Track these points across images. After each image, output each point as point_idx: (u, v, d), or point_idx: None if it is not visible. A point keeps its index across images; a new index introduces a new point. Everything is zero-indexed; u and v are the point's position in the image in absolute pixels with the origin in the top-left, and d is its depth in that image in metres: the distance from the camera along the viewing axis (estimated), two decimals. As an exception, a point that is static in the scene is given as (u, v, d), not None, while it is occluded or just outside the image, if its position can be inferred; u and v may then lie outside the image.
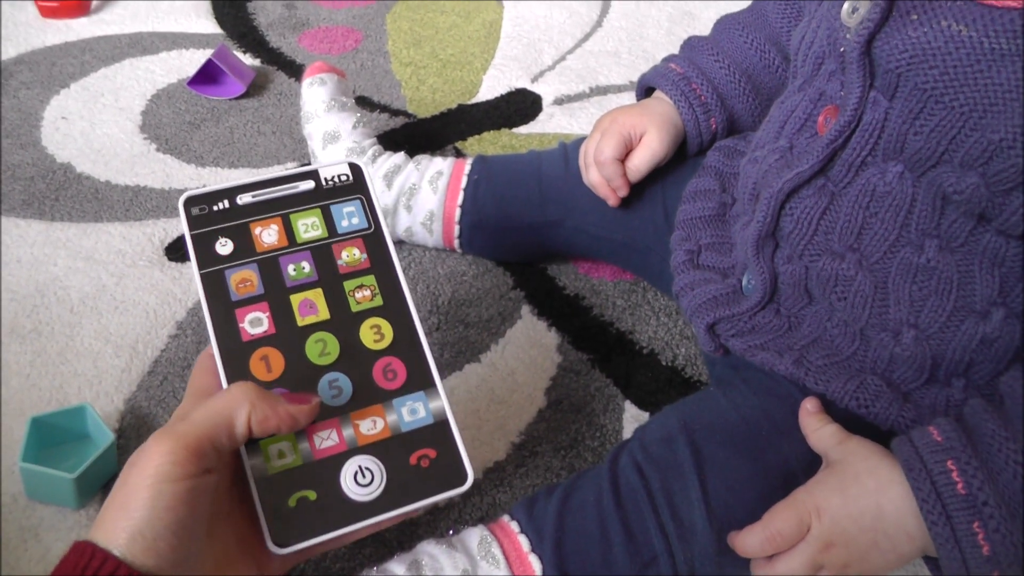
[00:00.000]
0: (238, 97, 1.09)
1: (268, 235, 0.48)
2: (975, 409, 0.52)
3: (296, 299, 0.47)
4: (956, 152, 0.51)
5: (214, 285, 0.46)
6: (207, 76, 1.09)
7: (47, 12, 1.24)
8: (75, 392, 0.74)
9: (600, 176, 0.77)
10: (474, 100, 1.13)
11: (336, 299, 0.47)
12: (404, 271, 0.48)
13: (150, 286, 0.83)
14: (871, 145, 0.55)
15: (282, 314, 0.46)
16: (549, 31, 1.29)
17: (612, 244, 0.82)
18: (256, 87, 1.12)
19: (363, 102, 1.11)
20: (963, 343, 0.55)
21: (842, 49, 0.56)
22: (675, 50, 0.77)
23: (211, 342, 0.45)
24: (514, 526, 0.59)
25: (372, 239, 0.48)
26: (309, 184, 0.49)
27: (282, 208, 0.48)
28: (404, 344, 0.47)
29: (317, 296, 0.47)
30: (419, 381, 0.46)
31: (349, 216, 0.49)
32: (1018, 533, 0.47)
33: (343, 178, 0.50)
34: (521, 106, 1.12)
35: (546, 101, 1.14)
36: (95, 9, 1.28)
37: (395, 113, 1.09)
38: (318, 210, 0.49)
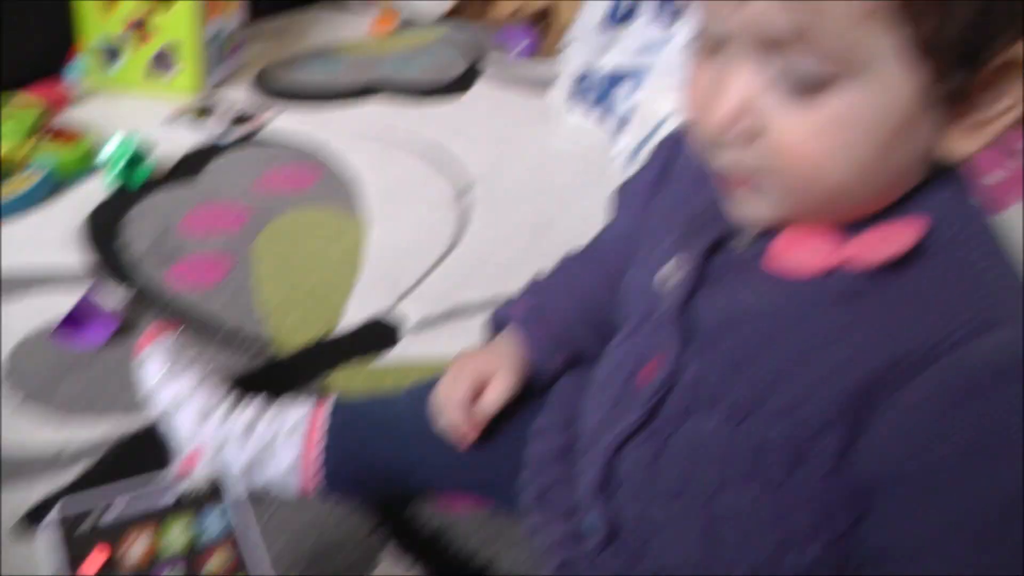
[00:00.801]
0: (106, 342, 1.11)
1: (135, 551, 0.50)
2: None
3: None
4: (766, 403, 0.57)
5: None
6: (73, 323, 1.12)
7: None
8: None
9: (451, 422, 0.82)
10: (338, 330, 1.18)
11: None
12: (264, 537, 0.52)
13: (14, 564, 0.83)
14: (689, 399, 0.61)
15: None
16: (409, 250, 1.37)
17: (467, 484, 0.87)
18: (126, 327, 1.14)
19: (230, 338, 1.15)
20: (790, 574, 0.60)
21: (660, 309, 0.63)
22: (535, 261, 0.84)
23: None
24: None
25: (236, 542, 0.51)
26: (170, 497, 0.52)
27: (149, 521, 0.51)
28: None
29: None
30: None
31: (212, 523, 0.52)
32: None
33: (203, 489, 0.53)
34: (382, 333, 1.18)
35: (407, 324, 1.20)
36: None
37: (259, 351, 1.13)
38: (184, 520, 0.51)
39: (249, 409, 0.90)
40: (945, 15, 0.46)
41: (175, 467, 0.92)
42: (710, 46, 0.54)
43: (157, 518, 0.51)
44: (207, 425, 0.88)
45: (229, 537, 0.51)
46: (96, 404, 1.02)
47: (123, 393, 1.04)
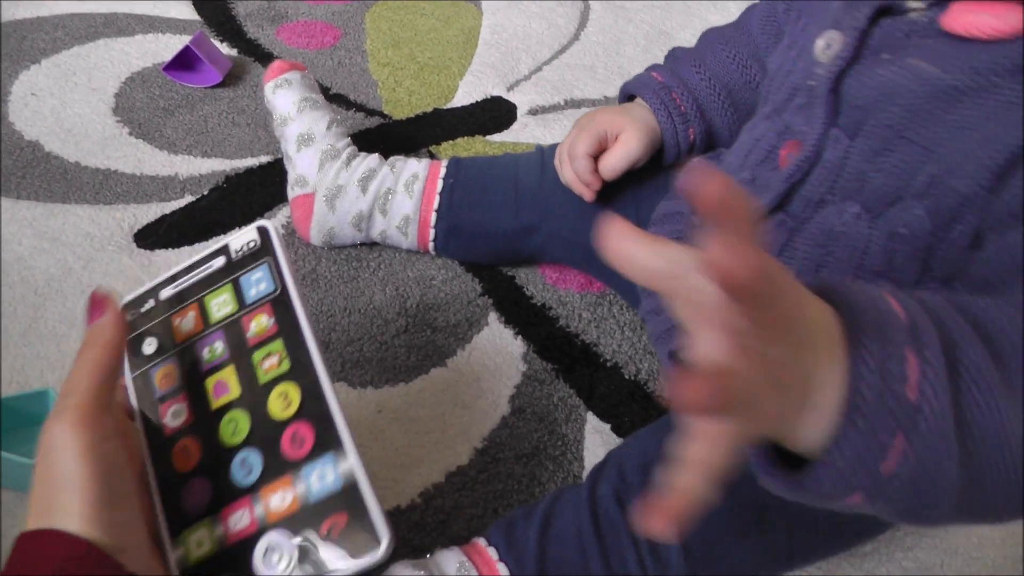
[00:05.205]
0: (214, 86, 1.08)
1: (186, 324, 0.49)
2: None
3: (211, 382, 0.47)
4: (909, 185, 0.52)
5: (142, 386, 0.48)
6: (183, 63, 1.09)
7: (20, -15, 1.22)
8: (37, 375, 0.73)
9: (573, 172, 0.78)
10: (450, 105, 1.14)
11: (246, 373, 0.47)
12: (314, 327, 0.48)
13: (118, 272, 0.82)
14: (830, 182, 0.56)
15: (198, 400, 0.47)
16: (527, 41, 1.30)
17: (586, 251, 0.83)
18: (232, 77, 1.11)
19: (339, 100, 1.11)
20: None
21: (812, 83, 0.57)
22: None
23: (142, 443, 0.46)
24: (492, 552, 0.59)
25: (278, 301, 0.48)
26: (221, 261, 0.50)
27: (198, 292, 0.50)
28: (311, 406, 0.45)
29: (229, 375, 0.47)
30: (327, 443, 0.44)
31: (257, 283, 0.49)
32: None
33: (251, 244, 0.50)
34: (496, 114, 1.13)
35: (521, 111, 1.15)
36: (69, -15, 1.26)
37: (371, 113, 1.10)
38: (229, 286, 0.50)
39: (368, 160, 0.87)
40: None
41: (289, 207, 0.90)
42: None
43: (204, 288, 0.50)
44: (329, 169, 0.85)
45: (270, 298, 0.48)
46: (201, 145, 1.00)
47: (227, 140, 1.01)
